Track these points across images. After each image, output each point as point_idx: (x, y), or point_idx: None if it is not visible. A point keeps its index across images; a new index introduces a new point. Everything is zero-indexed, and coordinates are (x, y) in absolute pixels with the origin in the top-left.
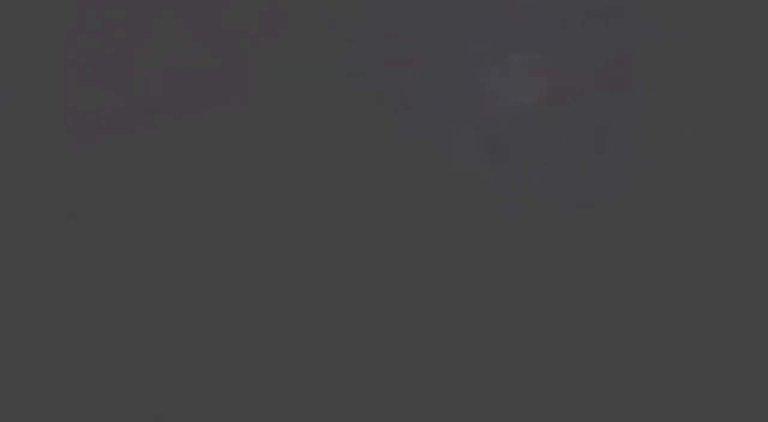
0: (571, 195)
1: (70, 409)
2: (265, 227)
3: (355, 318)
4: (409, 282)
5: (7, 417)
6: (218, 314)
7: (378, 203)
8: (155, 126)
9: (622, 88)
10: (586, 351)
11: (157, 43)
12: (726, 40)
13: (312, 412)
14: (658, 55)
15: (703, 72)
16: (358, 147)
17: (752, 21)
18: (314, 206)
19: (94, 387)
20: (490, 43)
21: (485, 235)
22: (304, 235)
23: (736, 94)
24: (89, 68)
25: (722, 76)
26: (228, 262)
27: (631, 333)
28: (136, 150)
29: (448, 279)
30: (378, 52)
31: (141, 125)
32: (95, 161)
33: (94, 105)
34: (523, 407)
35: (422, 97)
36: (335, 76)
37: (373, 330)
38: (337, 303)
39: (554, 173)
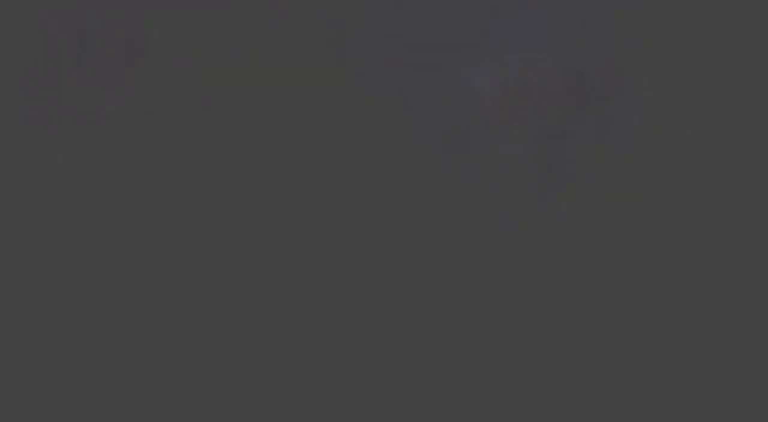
0: (571, 194)
1: (69, 409)
2: (261, 225)
3: (346, 316)
4: (397, 280)
5: (7, 417)
6: (217, 314)
7: (375, 202)
8: (155, 126)
9: (622, 88)
10: (577, 351)
11: (157, 42)
12: (726, 40)
13: (310, 412)
14: (657, 56)
15: (703, 72)
16: (357, 147)
17: (752, 21)
18: (309, 205)
19: (91, 386)
20: (489, 43)
21: (484, 236)
22: (297, 234)
23: (737, 94)
24: (89, 68)
25: (723, 76)
26: (226, 262)
27: (628, 333)
28: (136, 150)
29: (441, 278)
30: (378, 52)
31: (141, 124)
32: (94, 160)
33: (94, 105)
34: (520, 407)
35: (421, 98)
36: (335, 77)
37: (363, 329)
38: (328, 302)
39: (553, 173)
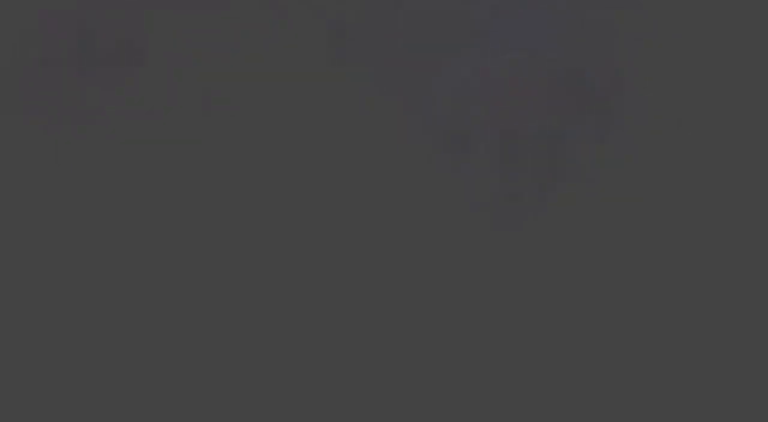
0: (571, 194)
1: (69, 408)
2: (261, 224)
3: (346, 314)
4: (397, 279)
5: (7, 418)
6: (217, 312)
7: (375, 201)
8: (155, 126)
9: (622, 88)
10: (577, 349)
11: (157, 42)
12: (726, 40)
13: (310, 411)
14: (657, 56)
15: (703, 72)
16: (357, 146)
17: (752, 21)
18: (309, 205)
19: (90, 385)
20: (489, 43)
21: (484, 236)
22: (297, 233)
23: (737, 94)
24: (89, 68)
25: (722, 76)
26: (226, 260)
27: (628, 331)
28: (136, 150)
29: (442, 277)
30: (378, 52)
31: (141, 124)
32: (94, 160)
33: (94, 105)
34: (521, 406)
35: (421, 98)
36: (335, 77)
37: (363, 328)
38: (327, 301)
39: (553, 173)
